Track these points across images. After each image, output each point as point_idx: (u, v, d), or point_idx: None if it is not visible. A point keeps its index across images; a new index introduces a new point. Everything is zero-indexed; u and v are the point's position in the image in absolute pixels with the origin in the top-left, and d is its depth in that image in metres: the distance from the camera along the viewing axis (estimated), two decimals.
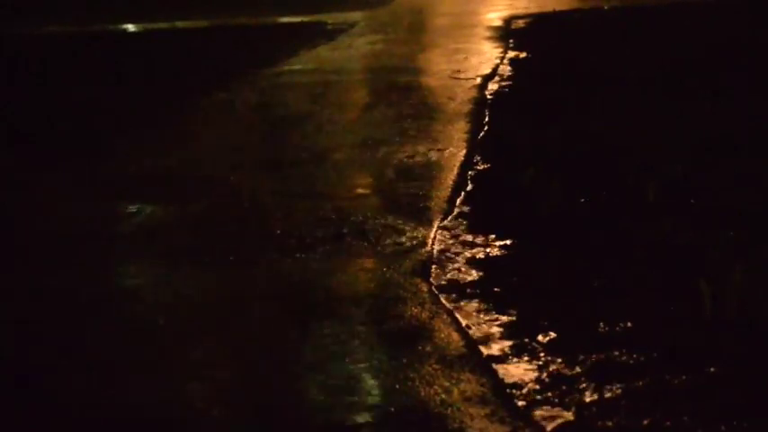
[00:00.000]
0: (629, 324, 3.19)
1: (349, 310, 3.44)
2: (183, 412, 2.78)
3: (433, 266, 3.86)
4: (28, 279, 4.00)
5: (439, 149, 5.89)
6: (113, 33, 15.16)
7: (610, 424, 2.59)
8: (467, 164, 5.51)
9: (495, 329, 3.24)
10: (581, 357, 2.97)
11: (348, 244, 4.17)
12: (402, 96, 7.94)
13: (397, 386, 2.84)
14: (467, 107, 7.25)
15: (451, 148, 5.90)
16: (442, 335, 3.19)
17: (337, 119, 7.21)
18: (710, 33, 10.83)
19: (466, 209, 4.65)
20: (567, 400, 2.73)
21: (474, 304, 3.46)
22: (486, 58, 9.96)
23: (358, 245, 4.15)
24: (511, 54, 10.10)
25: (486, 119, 6.76)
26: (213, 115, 7.67)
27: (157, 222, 4.75)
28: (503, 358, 3.02)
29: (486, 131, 6.37)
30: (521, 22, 13.48)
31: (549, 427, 2.60)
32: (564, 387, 2.80)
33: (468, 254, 4.01)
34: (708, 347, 2.98)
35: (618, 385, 2.78)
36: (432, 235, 4.25)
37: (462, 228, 4.36)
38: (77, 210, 4.98)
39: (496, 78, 8.54)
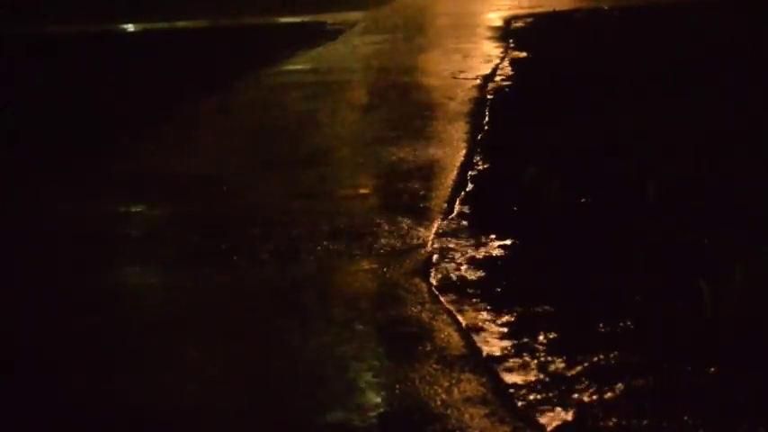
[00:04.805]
0: (629, 324, 3.19)
1: (349, 310, 3.44)
2: (183, 412, 2.78)
3: (433, 266, 3.86)
4: (28, 279, 4.00)
5: (439, 149, 5.89)
6: (113, 33, 15.16)
7: (610, 424, 2.59)
8: (467, 164, 5.51)
9: (495, 329, 3.24)
10: (581, 357, 2.97)
11: (348, 244, 4.17)
12: (402, 96, 7.94)
13: (397, 386, 2.84)
14: (467, 107, 7.25)
15: (451, 148, 5.90)
16: (442, 335, 3.19)
17: (337, 119, 7.21)
18: (711, 33, 10.82)
19: (466, 209, 4.65)
20: (566, 400, 2.73)
21: (474, 304, 3.46)
22: (486, 58, 9.96)
23: (358, 245, 4.15)
24: (511, 54, 10.10)
25: (486, 119, 6.76)
26: (213, 115, 7.67)
27: (157, 222, 4.75)
28: (503, 358, 3.02)
29: (486, 131, 6.37)
30: (521, 22, 13.48)
31: (549, 427, 2.60)
32: (564, 387, 2.80)
33: (468, 254, 4.01)
34: (708, 348, 2.98)
35: (618, 385, 2.78)
36: (432, 235, 4.25)
37: (462, 228, 4.36)
38: (78, 210, 4.97)
39: (497, 78, 8.54)
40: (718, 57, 8.86)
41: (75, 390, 2.95)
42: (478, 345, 3.12)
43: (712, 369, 2.84)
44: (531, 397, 2.76)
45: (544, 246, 4.03)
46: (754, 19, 12.01)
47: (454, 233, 4.28)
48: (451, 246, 4.12)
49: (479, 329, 3.24)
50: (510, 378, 2.88)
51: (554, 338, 3.13)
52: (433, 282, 3.69)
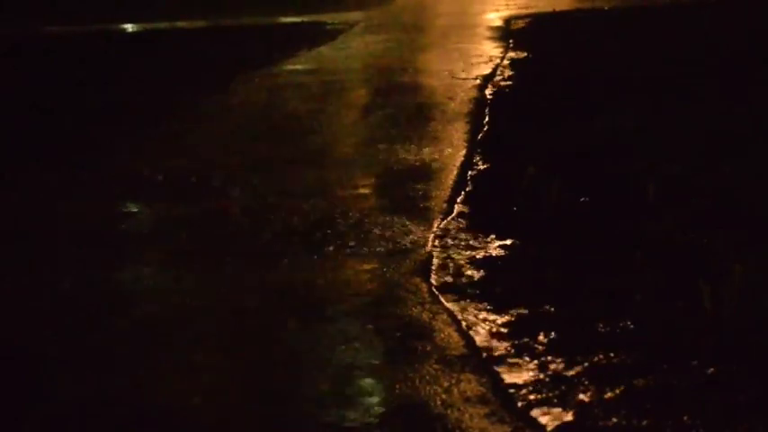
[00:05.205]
0: (629, 324, 3.19)
1: (349, 311, 3.44)
2: (184, 411, 2.78)
3: (433, 266, 3.86)
4: (28, 279, 4.00)
5: (439, 149, 5.89)
6: (113, 33, 15.16)
7: (610, 424, 2.59)
8: (467, 164, 5.51)
9: (495, 329, 3.24)
10: (581, 357, 2.97)
11: (348, 244, 4.17)
12: (402, 96, 7.94)
13: (398, 386, 2.84)
14: (467, 107, 7.25)
15: (451, 148, 5.90)
16: (442, 335, 3.19)
17: (337, 119, 7.21)
18: (711, 33, 10.83)
19: (466, 209, 4.65)
20: (566, 400, 2.73)
21: (474, 304, 3.46)
22: (486, 58, 9.96)
23: (358, 245, 4.15)
24: (511, 54, 10.10)
25: (486, 119, 6.76)
26: (213, 115, 7.67)
27: (157, 222, 4.75)
28: (503, 358, 3.02)
29: (485, 131, 6.37)
30: (521, 22, 13.48)
31: (549, 427, 2.60)
32: (564, 387, 2.80)
33: (468, 254, 4.01)
34: (708, 347, 2.98)
35: (618, 385, 2.78)
36: (432, 235, 4.25)
37: (462, 228, 4.36)
38: (78, 209, 4.97)
39: (496, 78, 8.54)
40: (718, 57, 8.86)
41: (75, 389, 2.95)
42: (478, 345, 3.12)
43: (712, 369, 2.84)
44: (531, 397, 2.76)
45: (544, 246, 4.03)
46: (755, 19, 12.00)
47: (454, 233, 4.28)
48: (451, 246, 4.12)
49: (479, 329, 3.24)
50: (510, 378, 2.88)
51: (554, 338, 3.13)
52: (433, 282, 3.70)
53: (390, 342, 3.16)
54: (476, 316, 3.36)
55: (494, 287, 3.62)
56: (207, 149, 6.35)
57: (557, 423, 2.61)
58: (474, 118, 6.81)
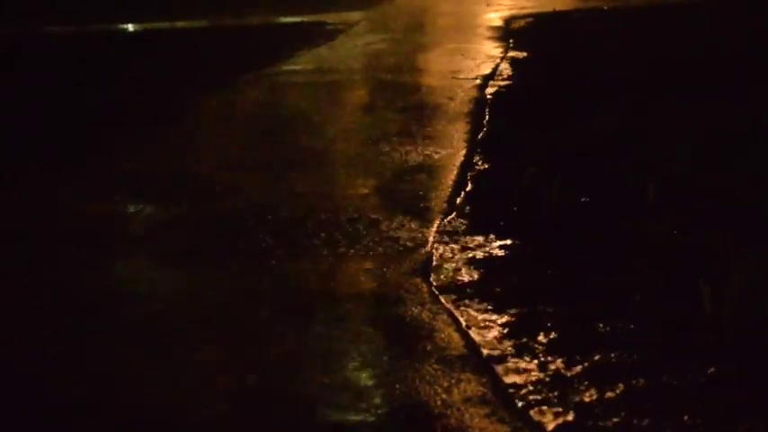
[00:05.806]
0: (629, 324, 3.20)
1: (349, 311, 3.44)
2: (183, 413, 2.78)
3: (433, 266, 3.86)
4: (28, 279, 4.00)
5: (439, 149, 5.89)
6: (113, 33, 15.16)
7: (610, 424, 2.59)
8: (467, 164, 5.51)
9: (496, 329, 3.24)
10: (581, 357, 2.97)
11: (348, 244, 4.17)
12: (402, 96, 7.94)
13: (397, 386, 2.84)
14: (467, 107, 7.25)
15: (451, 148, 5.90)
16: (442, 335, 3.20)
17: (337, 119, 7.21)
18: (711, 33, 10.82)
19: (466, 209, 4.65)
20: (566, 400, 2.73)
21: (474, 304, 3.46)
22: (486, 58, 9.95)
23: (358, 245, 4.15)
24: (511, 54, 10.10)
25: (486, 119, 6.76)
26: (213, 115, 7.67)
27: (157, 222, 4.75)
28: (503, 358, 3.02)
29: (486, 131, 6.37)
30: (521, 22, 13.47)
31: (549, 427, 2.60)
32: (564, 387, 2.80)
33: (468, 254, 4.02)
34: (708, 347, 2.98)
35: (618, 385, 2.79)
36: (432, 235, 4.25)
37: (462, 228, 4.37)
38: (78, 209, 4.97)
39: (496, 78, 8.54)
40: (718, 56, 8.86)
41: (75, 389, 2.95)
42: (478, 345, 3.12)
43: (712, 369, 2.84)
44: (531, 397, 2.76)
45: (544, 246, 4.03)
46: (755, 19, 12.00)
47: (454, 233, 4.29)
48: (451, 246, 4.12)
49: (479, 329, 3.25)
50: (510, 378, 2.88)
51: (554, 338, 3.13)
52: (433, 282, 3.70)
53: (390, 342, 3.16)
54: (476, 316, 3.36)
55: (494, 287, 3.62)
56: (207, 149, 6.35)
57: (557, 423, 2.62)
58: (474, 118, 6.81)
